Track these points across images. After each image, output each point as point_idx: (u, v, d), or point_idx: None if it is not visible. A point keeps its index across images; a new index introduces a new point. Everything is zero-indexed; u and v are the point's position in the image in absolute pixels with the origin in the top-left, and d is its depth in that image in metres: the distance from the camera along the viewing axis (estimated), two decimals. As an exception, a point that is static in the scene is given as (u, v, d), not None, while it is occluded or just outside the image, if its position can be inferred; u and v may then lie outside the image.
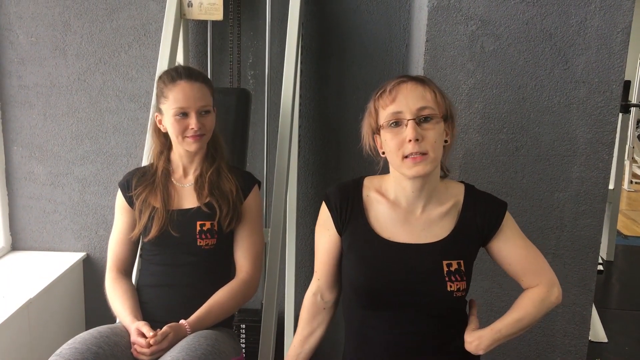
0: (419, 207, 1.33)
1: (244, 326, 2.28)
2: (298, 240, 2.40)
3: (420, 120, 1.24)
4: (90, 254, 2.50)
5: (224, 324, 1.61)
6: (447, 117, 1.30)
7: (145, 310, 1.58)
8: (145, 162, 1.90)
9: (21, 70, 2.36)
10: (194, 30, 2.33)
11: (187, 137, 1.57)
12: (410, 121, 1.24)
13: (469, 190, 1.38)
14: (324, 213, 1.40)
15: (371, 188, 1.40)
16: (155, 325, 1.49)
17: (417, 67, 1.87)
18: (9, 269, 2.33)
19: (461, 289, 1.29)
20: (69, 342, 1.40)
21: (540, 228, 1.80)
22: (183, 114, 1.56)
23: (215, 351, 1.42)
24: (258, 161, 2.34)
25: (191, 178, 1.65)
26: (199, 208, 1.60)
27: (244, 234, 1.64)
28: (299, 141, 2.33)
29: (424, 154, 1.23)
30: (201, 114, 1.57)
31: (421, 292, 1.30)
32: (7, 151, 2.41)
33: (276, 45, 2.27)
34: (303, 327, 1.46)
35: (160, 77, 1.61)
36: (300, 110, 2.30)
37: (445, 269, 1.29)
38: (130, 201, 1.64)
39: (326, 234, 1.40)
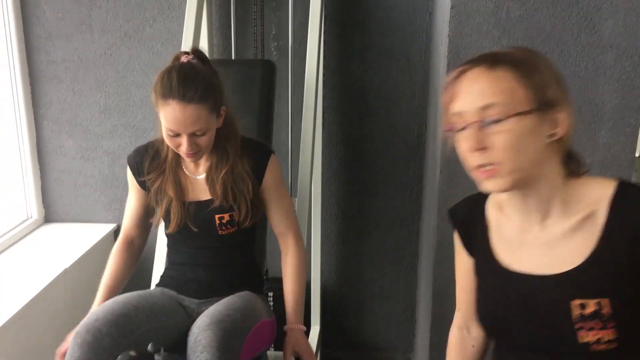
0: (535, 222, 1.02)
1: (271, 294, 2.33)
2: (323, 211, 2.43)
3: (486, 122, 0.94)
4: (121, 226, 2.56)
5: (256, 290, 1.65)
6: (545, 105, 0.95)
7: (176, 284, 1.63)
8: None
9: (49, 46, 2.40)
10: (217, 2, 2.34)
11: (182, 152, 1.47)
12: (470, 125, 0.95)
13: (622, 190, 0.96)
14: (455, 232, 1.18)
15: (494, 200, 1.11)
16: (185, 294, 1.57)
17: (442, 35, 1.86)
18: (44, 240, 2.40)
19: (605, 339, 0.92)
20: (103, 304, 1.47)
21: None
22: (175, 134, 1.44)
23: (249, 306, 1.49)
24: (283, 133, 2.37)
25: (202, 170, 1.58)
26: (215, 205, 1.55)
27: (275, 208, 1.63)
28: (323, 112, 2.35)
29: (495, 164, 0.94)
30: (195, 134, 1.44)
31: (547, 338, 0.99)
32: (38, 126, 2.47)
33: (299, 16, 2.27)
34: None
35: (154, 84, 1.44)
36: (324, 81, 2.31)
37: (576, 311, 0.94)
38: (143, 186, 1.62)
39: (459, 256, 1.18)
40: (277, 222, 1.65)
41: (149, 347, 1.29)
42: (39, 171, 2.51)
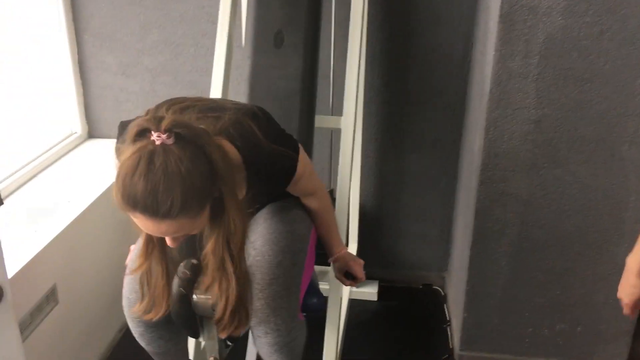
0: None
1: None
2: (364, 130, 2.42)
3: None
4: (162, 143, 2.59)
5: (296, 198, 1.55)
6: None
7: None
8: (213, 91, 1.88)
9: (87, -42, 2.35)
10: None
11: None
12: None
13: None
14: None
15: None
16: None
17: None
18: (88, 156, 2.45)
19: None
20: None
21: (620, 114, 1.77)
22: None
23: (295, 238, 1.44)
24: (325, 51, 2.33)
25: None
26: None
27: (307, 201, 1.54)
28: (367, 32, 2.29)
29: None
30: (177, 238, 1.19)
31: None
32: (79, 40, 2.45)
33: None
34: None
35: (115, 177, 1.08)
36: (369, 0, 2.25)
37: None
38: None
39: None
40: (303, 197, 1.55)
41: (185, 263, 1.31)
42: (82, 87, 2.52)
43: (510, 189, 1.92)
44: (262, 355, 1.44)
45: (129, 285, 1.38)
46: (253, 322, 1.34)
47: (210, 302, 1.28)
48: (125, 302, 1.40)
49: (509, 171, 1.90)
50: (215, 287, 1.24)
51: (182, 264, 1.29)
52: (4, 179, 2.07)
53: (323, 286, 1.73)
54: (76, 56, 2.47)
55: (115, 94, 2.53)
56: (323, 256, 1.69)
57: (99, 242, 2.14)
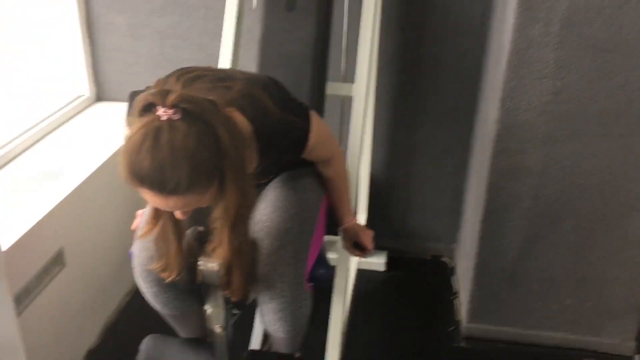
0: None
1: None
2: (376, 98, 2.38)
3: None
4: (171, 107, 2.56)
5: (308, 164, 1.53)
6: None
7: None
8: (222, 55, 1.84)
9: None
10: None
11: None
12: None
13: None
14: None
15: None
16: None
17: None
18: (97, 119, 2.43)
19: None
20: None
21: (641, 88, 1.72)
22: None
23: (305, 206, 1.44)
24: (338, 14, 2.26)
25: None
26: None
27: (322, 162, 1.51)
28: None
29: None
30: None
31: None
32: (88, 1, 2.41)
33: None
34: None
35: (121, 153, 1.06)
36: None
37: None
38: None
39: None
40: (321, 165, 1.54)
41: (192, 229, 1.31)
42: (90, 48, 2.48)
43: (524, 162, 1.88)
44: (267, 323, 1.43)
45: (140, 244, 1.37)
46: (259, 288, 1.34)
47: (217, 269, 1.27)
48: (136, 262, 1.38)
49: (524, 143, 1.86)
50: (222, 253, 1.24)
51: (188, 231, 1.27)
52: (11, 141, 2.05)
53: (331, 256, 1.71)
54: (85, 16, 2.42)
55: (124, 57, 2.48)
56: (332, 226, 1.67)
57: (107, 206, 2.13)
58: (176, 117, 1.02)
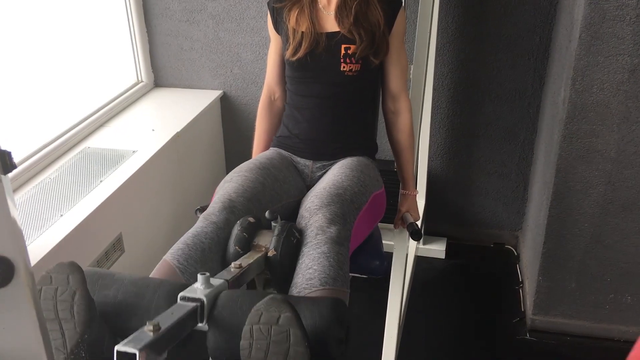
0: None
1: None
2: (435, 80, 2.28)
3: None
4: (227, 92, 2.55)
5: (368, 153, 1.66)
6: None
7: (291, 143, 1.64)
8: None
9: None
10: None
11: None
12: None
13: None
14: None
15: None
16: (299, 155, 1.62)
17: None
18: (156, 104, 2.44)
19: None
20: (236, 169, 1.48)
21: None
22: None
23: (360, 182, 1.46)
24: None
25: (334, 6, 1.56)
26: (343, 34, 1.55)
27: (394, 61, 1.62)
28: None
29: None
30: None
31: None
32: (144, -13, 2.41)
33: None
34: None
35: None
36: None
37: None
38: (276, 26, 1.64)
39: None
40: (394, 77, 1.63)
41: (267, 214, 1.28)
42: (147, 34, 2.49)
43: (597, 145, 1.76)
44: (310, 260, 1.28)
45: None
46: (308, 233, 1.29)
47: (266, 254, 1.21)
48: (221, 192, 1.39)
49: (597, 125, 1.73)
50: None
51: (238, 221, 1.24)
52: (71, 128, 2.08)
53: (387, 243, 1.66)
54: (141, 2, 2.43)
55: (179, 42, 2.48)
56: (389, 217, 1.65)
57: (163, 192, 2.14)
58: None
